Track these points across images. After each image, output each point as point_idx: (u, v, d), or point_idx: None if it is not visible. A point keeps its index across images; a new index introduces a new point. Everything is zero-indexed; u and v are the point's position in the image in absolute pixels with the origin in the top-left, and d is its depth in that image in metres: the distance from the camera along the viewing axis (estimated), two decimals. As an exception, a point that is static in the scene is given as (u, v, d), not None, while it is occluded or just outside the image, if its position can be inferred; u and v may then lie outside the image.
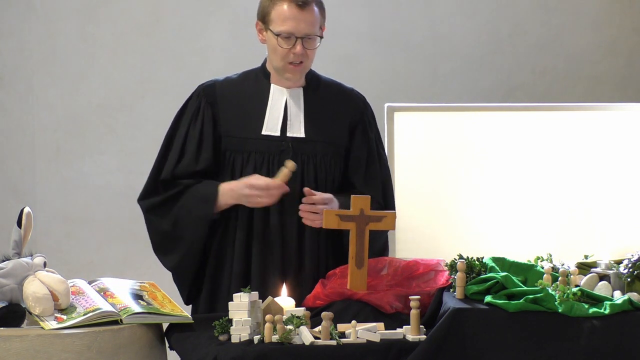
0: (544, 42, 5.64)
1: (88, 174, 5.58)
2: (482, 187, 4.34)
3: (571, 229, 4.33)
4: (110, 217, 5.58)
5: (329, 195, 3.74)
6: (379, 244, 3.84)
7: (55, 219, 5.56)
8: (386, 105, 4.36)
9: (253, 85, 3.86)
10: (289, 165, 3.71)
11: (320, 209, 3.69)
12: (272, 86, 3.84)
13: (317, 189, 3.77)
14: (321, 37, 3.78)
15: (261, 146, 3.79)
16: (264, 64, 3.89)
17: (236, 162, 3.80)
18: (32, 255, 3.51)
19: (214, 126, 3.82)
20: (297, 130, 3.82)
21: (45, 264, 3.50)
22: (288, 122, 3.82)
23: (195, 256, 3.79)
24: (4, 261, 3.48)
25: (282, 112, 3.82)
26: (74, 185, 5.58)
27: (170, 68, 5.53)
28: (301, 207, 3.73)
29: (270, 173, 3.76)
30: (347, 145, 3.87)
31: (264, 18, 3.78)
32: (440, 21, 5.61)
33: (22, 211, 3.53)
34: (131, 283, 3.66)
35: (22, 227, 3.52)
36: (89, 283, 3.65)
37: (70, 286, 3.51)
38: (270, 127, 3.81)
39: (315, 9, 3.75)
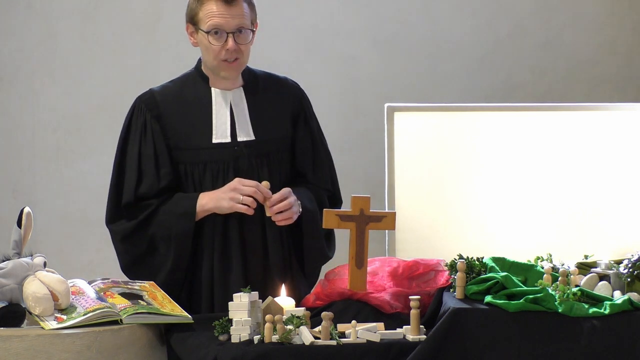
0: (544, 42, 5.64)
1: (88, 174, 5.58)
2: (482, 187, 4.34)
3: (571, 229, 4.33)
4: (110, 217, 5.57)
5: (285, 190, 3.72)
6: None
7: (55, 219, 5.56)
8: (386, 105, 4.36)
9: (193, 92, 3.81)
10: (264, 183, 3.70)
11: (286, 204, 3.69)
12: (213, 90, 3.80)
13: (272, 188, 3.75)
14: (253, 31, 3.74)
15: (215, 155, 3.75)
16: (199, 67, 3.84)
17: (194, 173, 3.76)
18: (32, 255, 3.51)
19: (164, 139, 3.77)
20: (246, 133, 3.79)
21: (45, 264, 3.50)
22: (237, 127, 3.78)
23: (181, 272, 3.74)
24: (4, 261, 3.48)
25: (229, 117, 3.79)
26: (74, 185, 5.58)
27: (170, 68, 5.52)
28: (272, 211, 3.71)
29: (226, 182, 3.73)
30: (292, 137, 3.86)
31: (192, 19, 3.74)
32: (440, 21, 5.61)
33: (22, 211, 3.53)
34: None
35: (22, 227, 3.52)
36: (89, 283, 3.64)
37: (70, 286, 3.51)
38: (220, 134, 3.77)
39: (244, 4, 3.72)
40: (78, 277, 3.76)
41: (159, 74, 5.51)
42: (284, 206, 3.70)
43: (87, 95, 5.58)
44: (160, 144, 3.76)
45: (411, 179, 4.32)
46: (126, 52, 5.58)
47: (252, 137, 3.79)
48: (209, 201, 3.70)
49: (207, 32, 3.69)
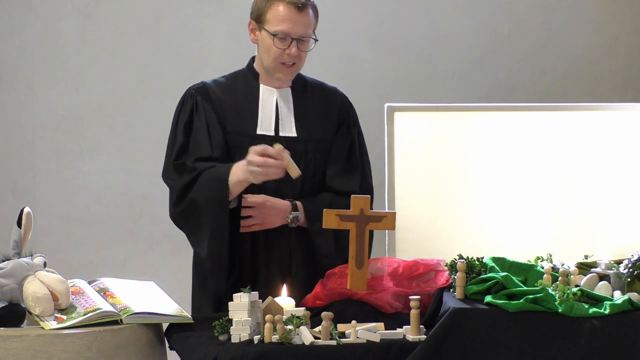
0: (544, 42, 5.64)
1: (88, 174, 5.58)
2: (482, 187, 4.33)
3: (571, 229, 4.33)
4: (110, 217, 5.58)
5: (257, 197, 3.75)
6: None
7: (55, 219, 5.56)
8: (386, 105, 4.36)
9: (242, 86, 3.88)
10: (277, 147, 3.67)
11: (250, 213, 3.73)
12: (262, 86, 3.88)
13: (304, 187, 3.83)
14: (315, 40, 3.81)
15: (258, 145, 3.77)
16: (250, 65, 3.92)
17: (235, 158, 3.79)
18: (32, 255, 3.51)
19: (216, 117, 3.81)
20: (289, 129, 3.85)
21: (45, 264, 3.50)
22: (280, 122, 3.84)
23: (222, 244, 3.71)
24: (4, 261, 3.48)
25: (274, 111, 3.85)
26: (74, 185, 5.58)
27: (170, 68, 5.53)
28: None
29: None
30: (332, 142, 3.91)
31: (258, 18, 3.80)
32: (440, 21, 5.61)
33: (22, 211, 3.53)
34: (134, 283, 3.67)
35: (22, 227, 3.52)
36: (89, 283, 3.65)
37: (70, 286, 3.51)
38: (265, 126, 3.84)
39: (311, 12, 3.79)
40: (78, 277, 3.76)
41: (159, 74, 5.53)
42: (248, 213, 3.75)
43: (87, 95, 5.58)
44: (212, 119, 3.81)
45: (411, 179, 4.32)
46: (126, 52, 5.58)
47: (295, 134, 3.84)
48: (240, 173, 3.69)
49: (274, 35, 3.74)
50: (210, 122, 3.81)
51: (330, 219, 3.58)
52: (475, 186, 4.34)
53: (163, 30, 5.58)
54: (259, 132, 3.82)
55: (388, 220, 3.62)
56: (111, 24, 5.57)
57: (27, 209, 3.55)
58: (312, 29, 3.80)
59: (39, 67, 5.57)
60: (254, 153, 3.65)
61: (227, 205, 3.72)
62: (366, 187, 3.94)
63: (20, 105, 5.58)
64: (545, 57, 5.64)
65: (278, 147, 3.66)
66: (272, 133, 3.83)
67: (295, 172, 3.66)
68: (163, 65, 5.55)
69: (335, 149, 3.92)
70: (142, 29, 5.58)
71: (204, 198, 3.72)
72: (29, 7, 5.55)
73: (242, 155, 3.76)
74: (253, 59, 3.93)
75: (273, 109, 3.86)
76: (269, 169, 3.64)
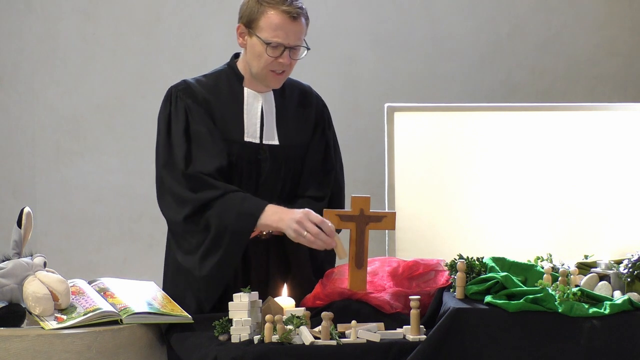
0: (544, 42, 5.64)
1: (88, 174, 5.58)
2: (482, 187, 4.34)
3: (571, 229, 4.33)
4: (110, 217, 5.58)
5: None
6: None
7: (55, 219, 5.57)
8: (386, 105, 4.36)
9: (226, 87, 3.80)
10: (331, 225, 3.59)
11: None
12: (246, 90, 3.80)
13: (290, 192, 3.79)
14: (307, 49, 3.75)
15: (244, 153, 3.75)
16: (233, 65, 3.83)
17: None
18: (32, 255, 3.51)
19: (211, 120, 3.74)
20: (271, 137, 3.79)
21: (45, 264, 3.50)
22: (264, 129, 3.79)
23: (228, 270, 3.64)
24: (4, 261, 3.48)
25: (259, 118, 3.79)
26: (74, 185, 5.59)
27: (170, 68, 5.53)
28: None
29: (249, 180, 3.73)
30: (308, 144, 3.87)
31: (250, 23, 3.71)
32: (440, 21, 5.61)
33: (22, 211, 3.53)
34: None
35: (22, 227, 3.52)
36: (89, 283, 3.65)
37: (70, 286, 3.51)
38: (251, 133, 3.77)
39: (303, 20, 3.73)
40: (78, 277, 3.76)
41: (159, 74, 5.53)
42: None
43: (87, 95, 5.59)
44: (210, 124, 3.72)
45: (411, 179, 4.32)
46: (126, 52, 5.58)
47: (277, 142, 3.79)
48: (277, 222, 3.60)
49: (267, 44, 3.68)
50: (210, 127, 3.71)
51: (330, 219, 3.58)
52: (475, 186, 4.34)
53: (163, 30, 5.58)
54: (246, 139, 3.76)
55: (388, 220, 3.62)
56: (111, 24, 5.57)
57: (27, 209, 3.55)
58: (304, 36, 3.74)
59: (39, 67, 5.57)
60: (312, 222, 3.56)
61: (248, 240, 3.65)
62: (337, 189, 3.91)
63: (20, 105, 5.58)
64: (545, 57, 5.64)
65: (332, 226, 3.58)
66: (257, 140, 3.76)
67: (343, 254, 3.62)
68: (163, 65, 5.55)
69: (310, 153, 3.86)
70: (142, 29, 5.58)
71: (226, 227, 3.61)
72: (29, 7, 5.55)
73: (231, 161, 3.71)
74: (235, 56, 3.84)
75: (258, 115, 3.79)
76: (316, 241, 3.57)
